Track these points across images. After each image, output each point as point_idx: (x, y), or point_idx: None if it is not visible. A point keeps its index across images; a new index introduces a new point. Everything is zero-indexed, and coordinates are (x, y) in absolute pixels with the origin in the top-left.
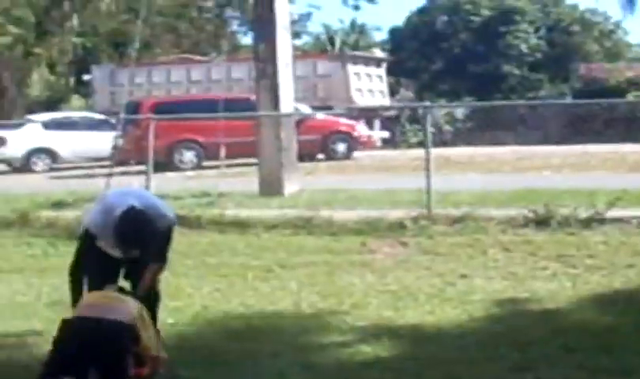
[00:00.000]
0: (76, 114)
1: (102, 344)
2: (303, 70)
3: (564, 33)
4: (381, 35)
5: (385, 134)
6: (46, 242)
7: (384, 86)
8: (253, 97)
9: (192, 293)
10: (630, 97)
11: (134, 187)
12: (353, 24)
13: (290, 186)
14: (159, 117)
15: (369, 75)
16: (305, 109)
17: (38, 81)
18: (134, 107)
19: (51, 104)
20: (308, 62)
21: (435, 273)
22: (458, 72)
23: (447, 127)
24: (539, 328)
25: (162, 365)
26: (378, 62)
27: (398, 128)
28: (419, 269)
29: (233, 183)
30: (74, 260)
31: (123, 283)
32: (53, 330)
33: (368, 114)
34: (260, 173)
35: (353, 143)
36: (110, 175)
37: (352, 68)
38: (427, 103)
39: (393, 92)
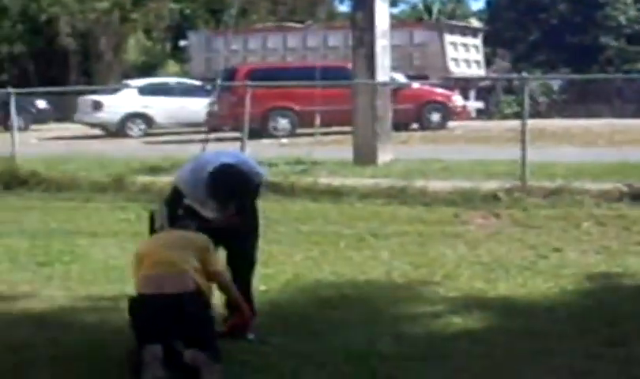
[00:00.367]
0: (171, 80)
1: (170, 320)
2: (400, 39)
3: None
4: (478, 5)
5: (480, 105)
6: (140, 206)
7: (480, 56)
8: (349, 65)
9: (284, 260)
10: None
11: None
12: None
13: (384, 155)
14: (255, 84)
15: (465, 45)
16: (400, 78)
17: (134, 47)
18: (230, 74)
19: (147, 70)
20: (404, 31)
21: (528, 246)
22: (555, 43)
23: (543, 98)
24: (631, 304)
25: (249, 316)
26: (474, 32)
27: (493, 99)
28: (512, 241)
29: (327, 151)
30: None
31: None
32: None
33: (463, 84)
34: (354, 141)
35: (448, 113)
36: (205, 141)
37: (448, 37)
38: (524, 75)
39: (489, 63)
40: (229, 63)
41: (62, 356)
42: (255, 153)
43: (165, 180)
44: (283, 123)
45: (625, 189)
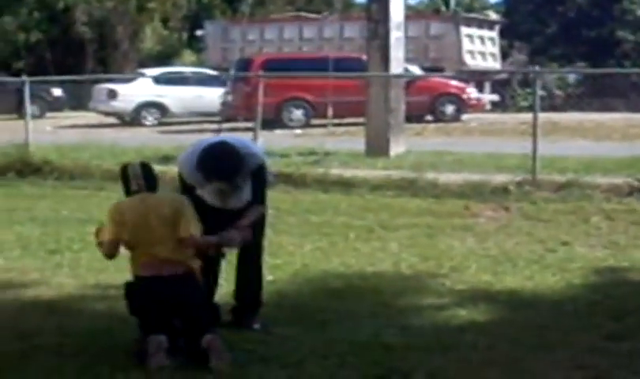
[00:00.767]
0: (187, 69)
1: (171, 301)
2: (415, 30)
3: None
4: None
5: (495, 97)
6: None
7: (496, 49)
8: (364, 57)
9: (293, 251)
10: None
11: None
12: None
13: (396, 147)
14: (267, 74)
15: (481, 37)
16: (415, 70)
17: (151, 35)
18: (245, 64)
19: (163, 59)
20: (421, 23)
21: (536, 239)
22: (572, 36)
23: (558, 92)
24: (637, 298)
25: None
26: (491, 25)
27: (508, 91)
28: (521, 235)
29: (340, 142)
30: None
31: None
32: None
33: (479, 77)
34: (367, 133)
35: (462, 105)
36: (218, 131)
37: (464, 30)
38: (537, 68)
39: (505, 55)
40: (245, 53)
41: (69, 343)
42: (268, 143)
43: (177, 170)
44: (297, 114)
45: (635, 183)
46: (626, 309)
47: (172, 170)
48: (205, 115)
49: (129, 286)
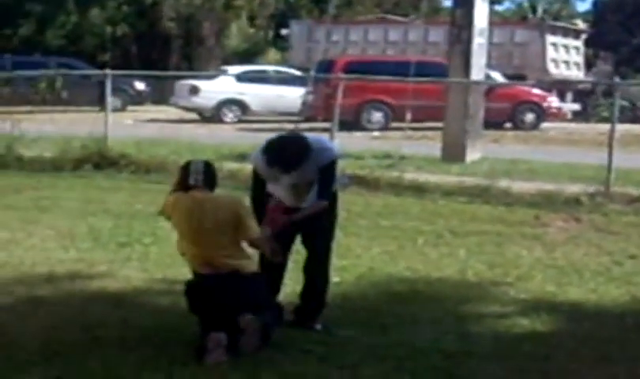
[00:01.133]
0: (269, 68)
1: (230, 299)
2: (500, 37)
3: None
4: (584, 6)
5: (577, 107)
6: (225, 192)
7: (580, 58)
8: (445, 61)
9: (361, 253)
10: None
11: None
12: None
13: (472, 153)
14: (347, 76)
15: (566, 46)
16: (497, 76)
17: (236, 33)
18: (327, 65)
19: (248, 56)
20: (506, 29)
21: (605, 251)
22: None
23: None
24: None
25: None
26: (576, 34)
27: (591, 101)
28: (589, 246)
29: (417, 147)
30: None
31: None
32: None
33: (561, 86)
34: (444, 138)
35: (543, 114)
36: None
37: (549, 38)
38: (617, 79)
39: (590, 65)
40: (328, 54)
41: (131, 336)
42: (344, 145)
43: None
44: (377, 116)
45: None
46: None
47: (247, 168)
48: (285, 115)
49: (188, 284)
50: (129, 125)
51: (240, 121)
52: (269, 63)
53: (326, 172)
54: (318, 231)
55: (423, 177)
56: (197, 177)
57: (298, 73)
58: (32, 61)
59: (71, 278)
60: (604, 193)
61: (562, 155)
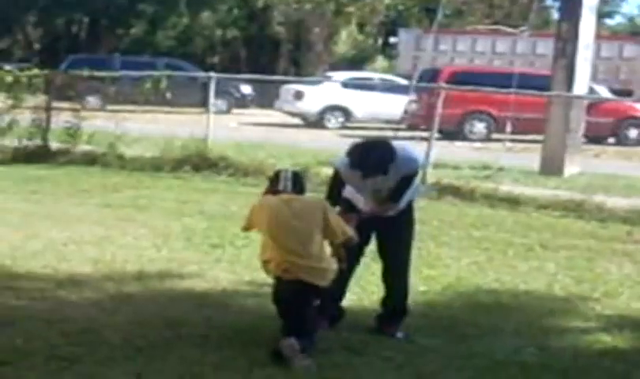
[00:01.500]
0: (375, 75)
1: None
2: (608, 51)
3: None
4: None
5: None
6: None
7: None
8: (549, 73)
9: (449, 263)
10: None
11: None
12: None
13: (571, 167)
14: (448, 86)
15: None
16: (603, 91)
17: (345, 39)
18: (432, 74)
19: (356, 63)
20: (614, 44)
21: None
22: None
23: None
24: None
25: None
26: None
27: None
28: None
29: (516, 159)
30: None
31: None
32: None
33: None
34: (543, 151)
35: None
36: (394, 138)
37: None
38: None
39: None
40: (436, 63)
41: (213, 336)
42: (442, 155)
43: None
44: (479, 127)
45: None
46: None
47: None
48: (389, 123)
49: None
50: (232, 127)
51: (343, 127)
52: (376, 71)
53: (406, 181)
54: (395, 242)
55: (519, 189)
56: (287, 183)
57: (403, 81)
58: (140, 62)
59: (160, 277)
60: None
61: None
